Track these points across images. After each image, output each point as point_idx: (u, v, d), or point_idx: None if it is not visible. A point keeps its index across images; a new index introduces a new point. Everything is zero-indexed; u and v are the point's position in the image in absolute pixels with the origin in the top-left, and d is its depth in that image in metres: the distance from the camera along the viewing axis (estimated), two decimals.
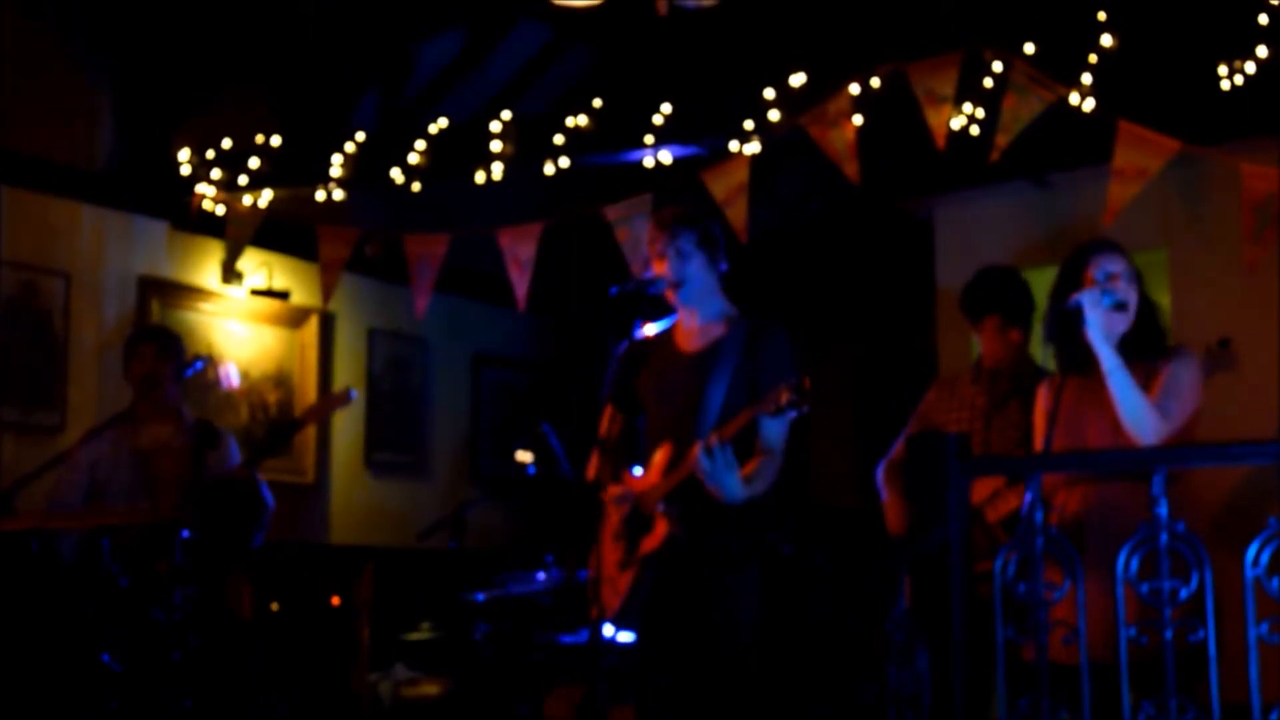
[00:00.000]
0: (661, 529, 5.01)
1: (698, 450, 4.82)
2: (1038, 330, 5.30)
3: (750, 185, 7.01)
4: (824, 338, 8.94)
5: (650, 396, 5.28)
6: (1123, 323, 4.73)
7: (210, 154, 8.19)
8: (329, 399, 7.09)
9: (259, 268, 8.80)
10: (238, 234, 8.30)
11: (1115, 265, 4.78)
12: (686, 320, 5.27)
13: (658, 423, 5.22)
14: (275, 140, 8.12)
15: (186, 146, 8.21)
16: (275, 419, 8.77)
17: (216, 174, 8.17)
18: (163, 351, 6.87)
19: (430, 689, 7.83)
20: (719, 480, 4.82)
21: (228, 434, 6.97)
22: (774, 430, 4.99)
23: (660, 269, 5.21)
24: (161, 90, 8.33)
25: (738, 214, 6.95)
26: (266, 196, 8.16)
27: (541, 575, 7.76)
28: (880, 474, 6.23)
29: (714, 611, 4.99)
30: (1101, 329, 4.62)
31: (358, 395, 7.14)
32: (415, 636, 8.32)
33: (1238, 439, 4.23)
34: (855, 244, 9.43)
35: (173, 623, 6.27)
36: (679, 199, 5.62)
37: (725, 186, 7.01)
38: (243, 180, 8.13)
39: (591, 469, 5.39)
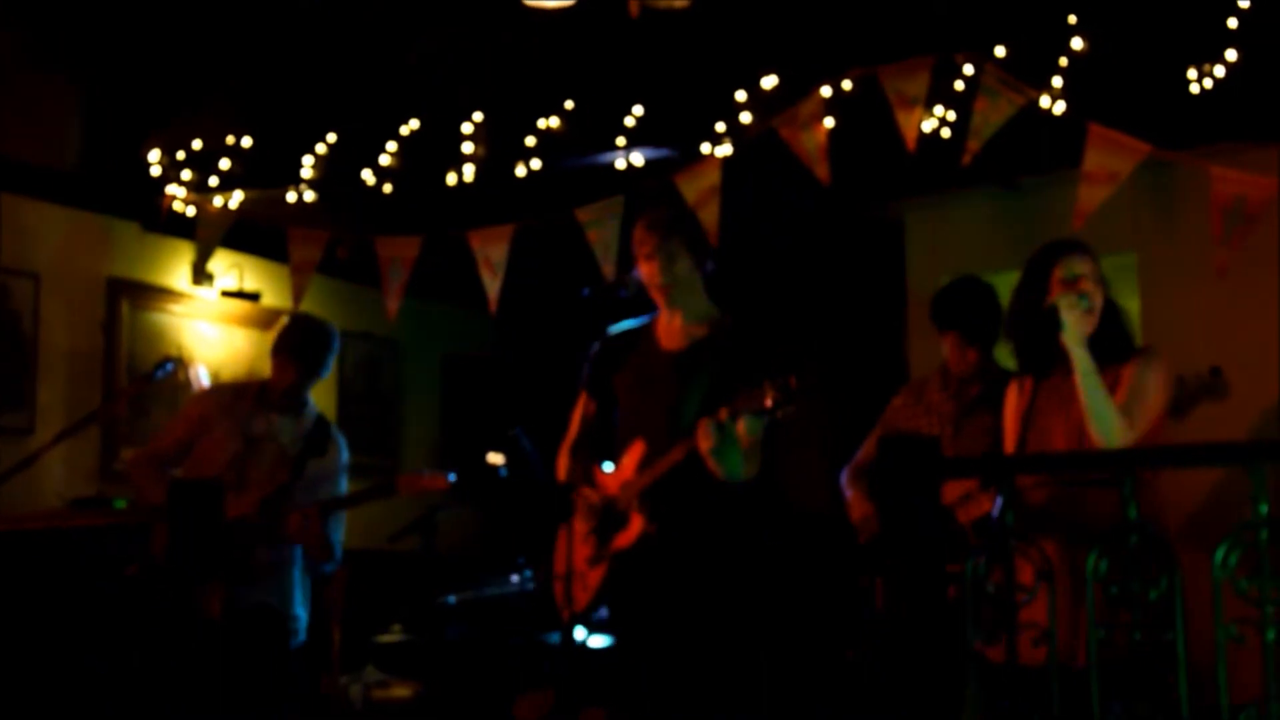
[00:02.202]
0: (636, 526, 5.01)
1: (705, 424, 4.80)
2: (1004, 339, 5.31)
3: (722, 188, 7.01)
4: (794, 340, 8.93)
5: (628, 392, 5.28)
6: (1088, 325, 4.74)
7: (181, 155, 8.17)
8: (430, 479, 6.96)
9: (230, 269, 8.78)
10: (208, 235, 8.28)
11: (1083, 266, 4.79)
12: (670, 320, 5.28)
13: (633, 419, 5.22)
14: (246, 141, 8.10)
15: (157, 147, 8.18)
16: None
17: (187, 175, 8.14)
18: (325, 350, 6.84)
19: (401, 691, 7.81)
20: (724, 455, 4.83)
21: (340, 442, 6.85)
22: (754, 426, 4.99)
23: (647, 270, 5.22)
24: (132, 91, 8.30)
25: (709, 216, 6.95)
26: (237, 198, 8.14)
27: (513, 577, 7.76)
28: (844, 479, 6.25)
29: (687, 608, 4.99)
30: (1077, 333, 4.64)
31: (453, 479, 7.03)
32: (386, 639, 8.30)
33: (1206, 442, 4.26)
34: (826, 247, 9.44)
35: (144, 624, 6.27)
36: (658, 201, 5.62)
37: (697, 189, 7.00)
38: (213, 181, 8.11)
39: (560, 466, 5.39)
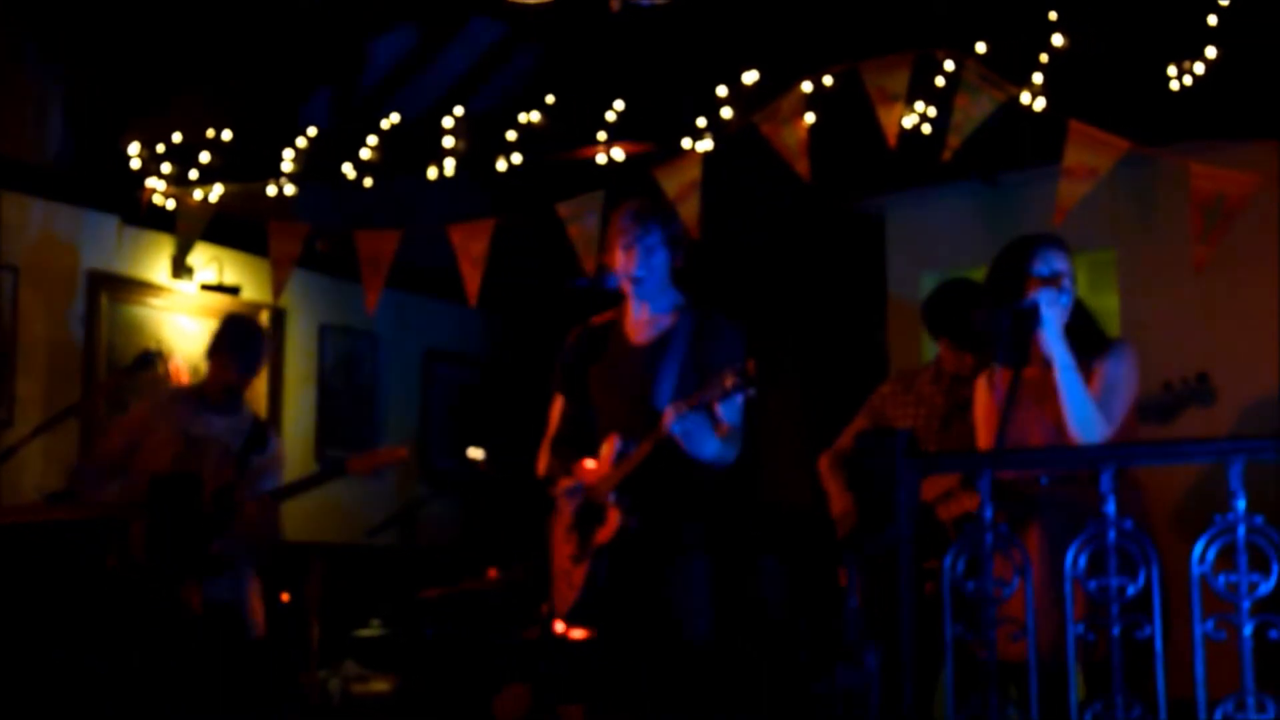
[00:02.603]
0: (613, 520, 5.02)
1: (669, 415, 4.82)
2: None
3: (703, 183, 7.02)
4: (774, 334, 8.94)
5: (600, 388, 5.29)
6: (1064, 319, 4.75)
7: (161, 148, 8.14)
8: (383, 453, 7.03)
9: (209, 263, 8.76)
10: (188, 229, 8.26)
11: (1060, 262, 4.80)
12: (636, 311, 5.29)
13: (607, 414, 5.24)
14: (226, 135, 8.08)
15: (137, 141, 8.16)
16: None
17: (167, 168, 8.12)
18: (260, 349, 6.85)
19: (380, 686, 7.81)
20: (697, 439, 4.85)
21: (273, 439, 6.93)
22: (729, 411, 5.00)
23: (621, 260, 5.22)
24: (112, 84, 8.28)
25: (690, 211, 6.95)
26: (217, 191, 8.12)
27: (493, 572, 7.75)
28: (823, 468, 6.26)
29: (665, 601, 5.00)
30: (1057, 328, 4.64)
31: (406, 455, 7.08)
32: (365, 633, 8.30)
33: (1185, 436, 4.27)
34: (807, 242, 9.44)
35: (122, 619, 6.26)
36: (635, 195, 5.62)
37: (678, 184, 7.01)
38: (193, 175, 8.09)
39: (541, 463, 5.40)
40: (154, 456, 6.62)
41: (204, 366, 8.49)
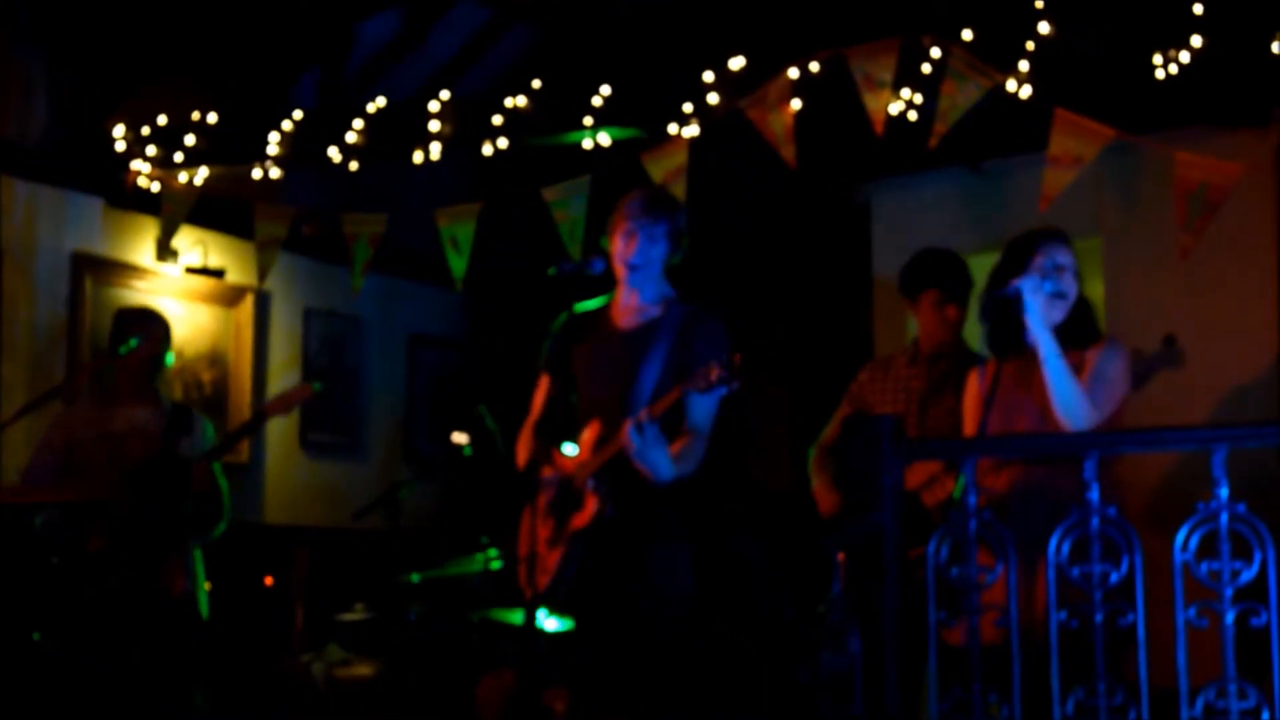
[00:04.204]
0: (591, 506, 5.03)
1: (627, 427, 4.85)
2: (973, 315, 5.34)
3: (689, 168, 7.02)
4: (760, 321, 8.95)
5: (583, 372, 5.30)
6: (1060, 312, 4.78)
7: (146, 130, 8.12)
8: (293, 392, 7.06)
9: (194, 245, 8.74)
10: (173, 211, 8.24)
11: (1064, 257, 4.84)
12: (625, 299, 5.29)
13: (589, 399, 5.25)
14: (212, 117, 8.06)
15: (122, 123, 8.14)
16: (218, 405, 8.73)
17: (152, 151, 8.10)
18: (165, 335, 6.85)
19: (363, 670, 7.80)
20: (648, 457, 4.86)
21: (203, 420, 6.94)
22: (702, 410, 5.02)
23: (620, 245, 5.23)
24: (97, 66, 8.25)
25: (676, 196, 6.95)
26: (202, 174, 8.10)
27: (476, 556, 7.75)
28: (812, 463, 6.26)
29: (642, 587, 5.01)
30: (1041, 315, 4.66)
31: (321, 389, 7.14)
32: (349, 617, 8.29)
33: (1168, 425, 4.28)
34: (793, 228, 9.44)
35: (103, 602, 6.26)
36: (629, 183, 5.62)
37: (664, 169, 7.01)
38: (178, 157, 8.07)
39: (522, 445, 5.40)
40: (86, 463, 6.65)
41: (187, 350, 8.53)
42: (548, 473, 5.24)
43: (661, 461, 4.90)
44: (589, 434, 5.13)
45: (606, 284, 5.35)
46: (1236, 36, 6.30)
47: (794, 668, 7.17)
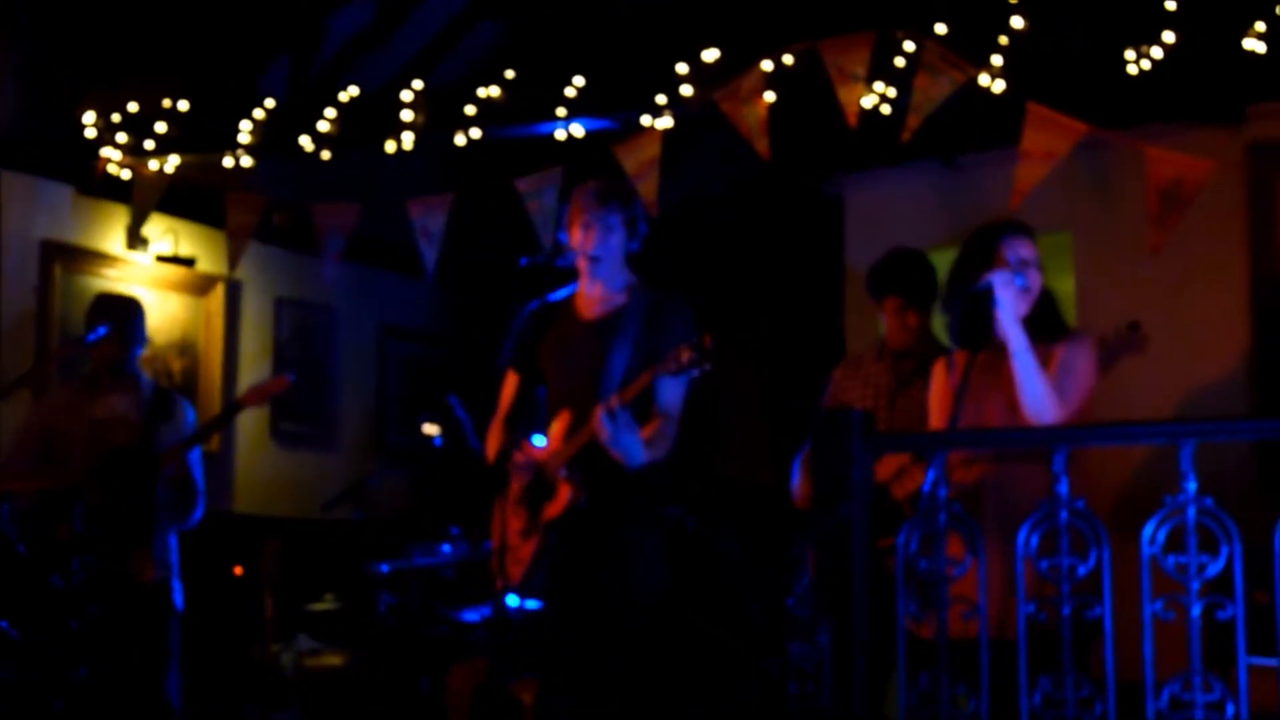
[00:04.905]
0: (563, 495, 5.03)
1: (599, 414, 4.85)
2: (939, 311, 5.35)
3: (662, 160, 7.01)
4: (733, 313, 8.95)
5: (551, 363, 5.31)
6: (1024, 306, 4.78)
7: (116, 118, 8.10)
8: (268, 384, 7.06)
9: (165, 234, 8.72)
10: (143, 199, 8.22)
11: (1027, 250, 4.85)
12: (589, 289, 5.31)
13: (558, 390, 5.26)
14: (183, 105, 8.04)
15: (92, 110, 8.11)
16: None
17: (122, 138, 8.08)
18: (135, 322, 6.83)
19: (333, 660, 7.80)
20: (620, 443, 4.87)
21: (184, 406, 6.93)
22: (671, 393, 5.03)
23: (578, 238, 5.23)
24: (67, 52, 8.22)
25: (649, 188, 6.94)
26: (173, 162, 8.08)
27: (446, 547, 7.75)
28: (798, 466, 6.26)
29: (615, 575, 5.02)
30: (1011, 310, 4.67)
31: (296, 381, 7.14)
32: (319, 607, 8.29)
33: (1136, 419, 4.29)
34: (766, 221, 9.45)
35: (71, 590, 6.24)
36: (603, 174, 5.62)
37: (637, 161, 7.00)
38: (149, 145, 8.05)
39: (492, 438, 5.40)
40: (65, 451, 6.63)
41: (158, 338, 8.49)
42: (519, 464, 5.25)
43: (634, 446, 4.91)
44: (559, 424, 5.14)
45: (576, 275, 5.36)
46: (1209, 33, 6.32)
47: (764, 659, 7.19)
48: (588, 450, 4.99)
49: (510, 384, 5.47)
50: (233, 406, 7.17)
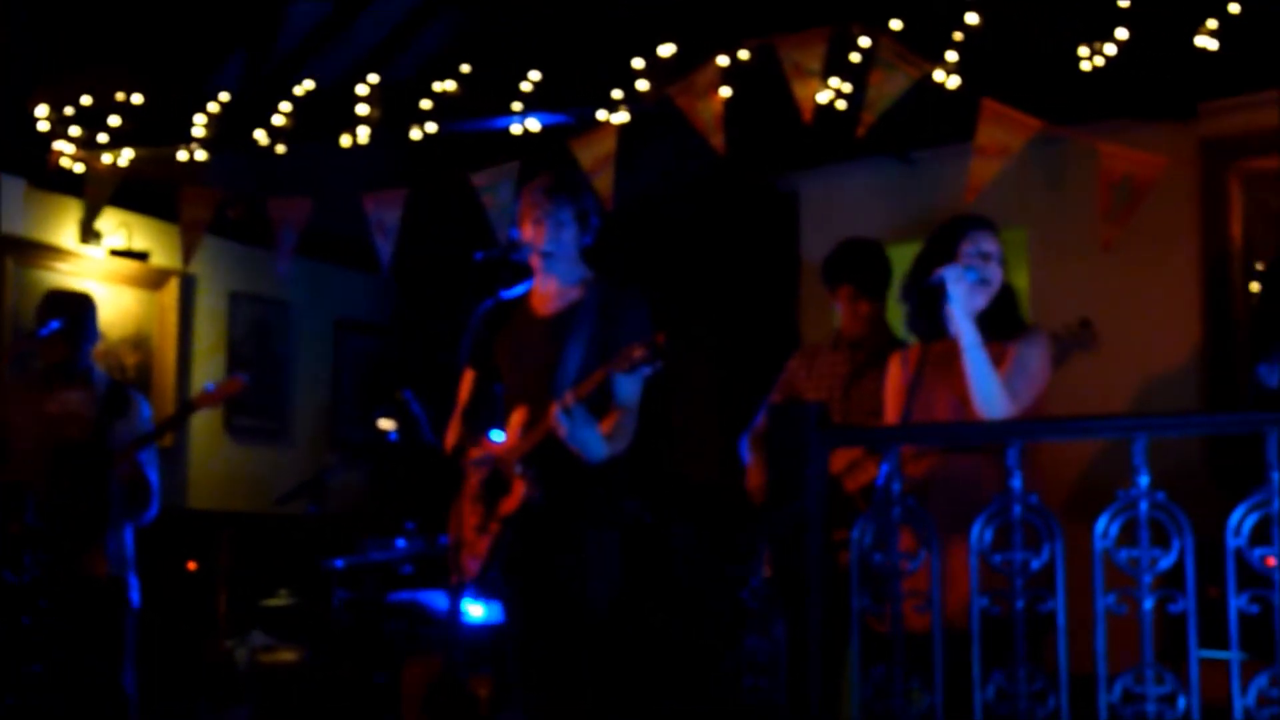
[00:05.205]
0: (519, 491, 5.03)
1: (555, 410, 4.85)
2: (894, 297, 5.36)
3: (618, 155, 7.02)
4: (688, 308, 8.96)
5: (507, 360, 5.30)
6: (983, 299, 4.79)
7: (70, 111, 8.05)
8: (224, 384, 7.03)
9: (118, 228, 8.67)
10: (97, 193, 8.18)
11: (989, 244, 4.85)
12: (544, 285, 5.30)
13: (515, 386, 5.25)
14: (136, 99, 8.00)
15: (45, 103, 8.06)
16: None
17: (76, 131, 8.03)
18: (86, 317, 6.79)
19: (287, 656, 7.78)
20: (579, 438, 4.87)
21: (139, 401, 6.88)
22: (628, 389, 5.03)
23: (530, 234, 5.23)
24: (20, 45, 8.16)
25: (605, 183, 6.96)
26: (127, 155, 8.04)
27: (402, 542, 7.74)
28: (745, 444, 6.27)
29: (572, 571, 5.02)
30: (964, 304, 4.68)
31: (251, 382, 7.13)
32: (273, 603, 8.26)
33: (1090, 414, 4.31)
34: (721, 216, 9.46)
35: (24, 585, 6.21)
36: (553, 168, 5.62)
37: (593, 155, 7.01)
38: (103, 138, 8.01)
39: (450, 434, 5.39)
40: (19, 448, 6.60)
41: (111, 333, 8.45)
42: (476, 459, 5.24)
43: (593, 440, 4.91)
44: (515, 420, 5.14)
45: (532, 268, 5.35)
46: (1161, 30, 6.36)
47: (720, 653, 7.20)
48: (544, 446, 4.99)
49: (468, 381, 5.47)
50: (186, 407, 7.14)
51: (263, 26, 8.69)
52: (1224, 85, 7.08)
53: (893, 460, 3.90)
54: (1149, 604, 3.56)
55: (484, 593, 5.28)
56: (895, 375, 4.98)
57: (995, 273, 4.84)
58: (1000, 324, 4.82)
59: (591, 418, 4.90)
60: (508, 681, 5.29)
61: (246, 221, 8.29)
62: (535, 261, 5.25)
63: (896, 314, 5.35)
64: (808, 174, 8.85)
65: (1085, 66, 6.45)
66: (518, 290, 5.42)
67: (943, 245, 4.88)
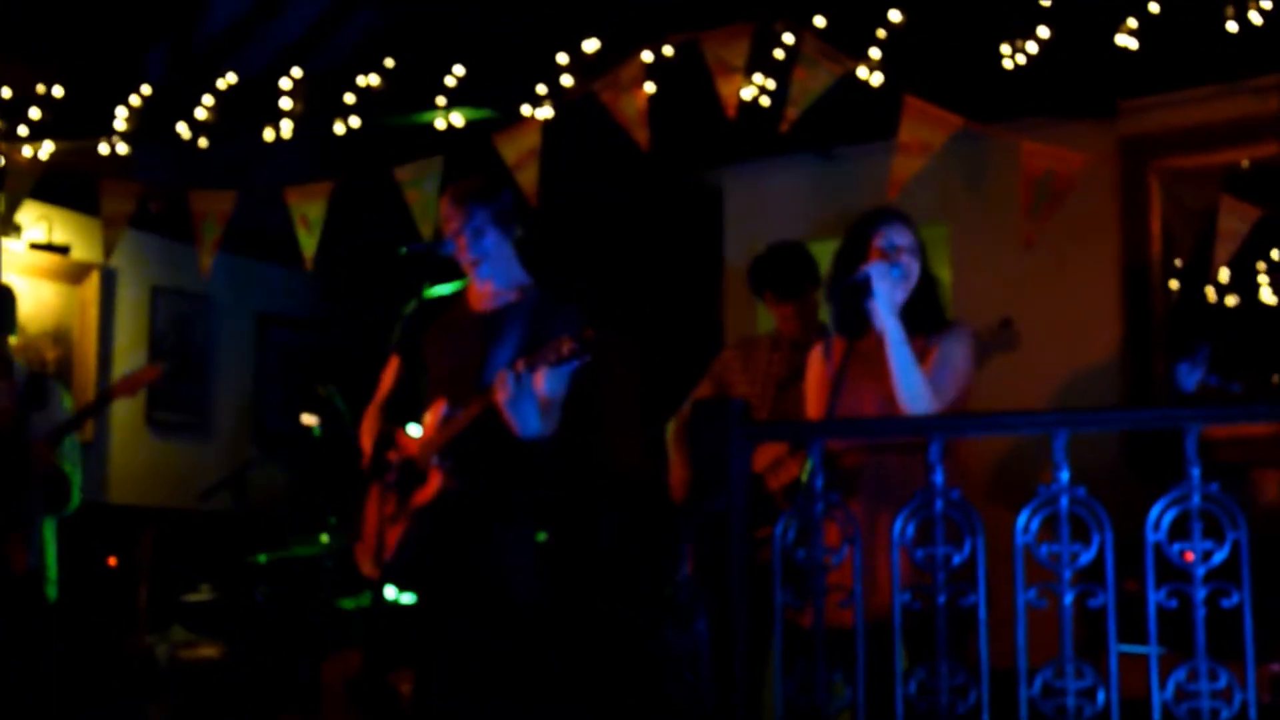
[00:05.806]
0: (435, 482, 5.02)
1: (504, 375, 4.82)
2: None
3: (542, 150, 7.01)
4: (613, 301, 8.96)
5: (434, 352, 5.29)
6: (902, 293, 4.81)
7: None
8: (140, 373, 6.98)
9: (38, 221, 8.60)
10: (17, 186, 8.10)
11: (901, 237, 4.85)
12: (480, 285, 5.28)
13: (438, 377, 5.24)
14: (57, 90, 7.92)
15: None
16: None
17: None
18: (6, 309, 6.73)
19: (209, 651, 7.74)
20: (520, 407, 4.85)
21: (58, 391, 6.82)
22: (553, 382, 5.01)
23: (455, 243, 5.21)
24: None
25: (529, 178, 6.95)
26: (47, 148, 7.96)
27: (324, 537, 7.71)
28: (670, 433, 6.27)
29: (490, 567, 5.01)
30: (889, 302, 4.70)
31: (170, 370, 7.08)
32: (194, 598, 8.21)
33: (1011, 409, 4.35)
34: (646, 211, 9.46)
35: None
36: (470, 170, 5.60)
37: (516, 150, 7.00)
38: (23, 130, 7.93)
39: (367, 426, 5.37)
40: None
41: (30, 327, 8.37)
42: (391, 452, 5.22)
43: (531, 414, 4.90)
44: (434, 412, 5.13)
45: (458, 264, 5.34)
46: (1082, 29, 6.42)
47: (642, 648, 7.20)
48: (463, 438, 4.99)
49: (391, 370, 5.45)
50: (104, 395, 7.09)
51: (186, 19, 8.63)
52: (1144, 84, 7.15)
53: (817, 454, 3.92)
54: (1069, 599, 3.60)
55: (396, 582, 5.24)
56: (816, 370, 4.98)
57: (912, 265, 4.85)
58: (923, 318, 4.82)
59: (534, 391, 4.89)
60: (427, 676, 5.27)
61: (168, 215, 8.23)
62: (468, 270, 5.25)
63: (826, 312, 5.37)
64: (732, 170, 8.87)
65: (1007, 64, 6.51)
66: (456, 285, 5.40)
67: (858, 243, 4.89)
